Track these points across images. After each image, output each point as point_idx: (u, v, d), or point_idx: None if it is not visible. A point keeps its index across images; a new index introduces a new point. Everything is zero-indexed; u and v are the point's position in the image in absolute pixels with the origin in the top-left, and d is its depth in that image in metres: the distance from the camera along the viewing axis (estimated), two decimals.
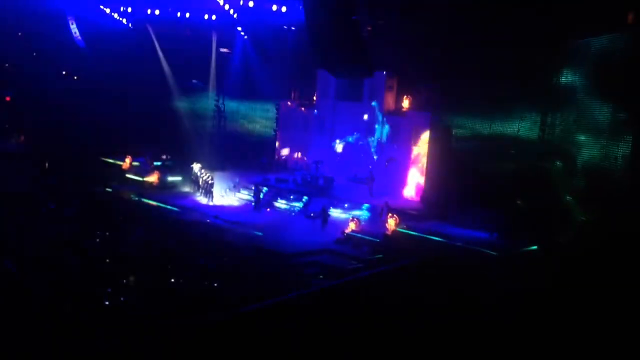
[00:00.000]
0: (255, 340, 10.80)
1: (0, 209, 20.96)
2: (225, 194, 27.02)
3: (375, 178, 26.53)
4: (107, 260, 16.99)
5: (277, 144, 32.13)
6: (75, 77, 38.00)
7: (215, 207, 25.46)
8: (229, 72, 33.56)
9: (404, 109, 27.76)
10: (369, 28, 25.96)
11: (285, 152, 31.69)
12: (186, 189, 28.05)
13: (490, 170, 24.33)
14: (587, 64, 20.93)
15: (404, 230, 21.23)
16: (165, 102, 35.07)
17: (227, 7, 29.47)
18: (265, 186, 26.85)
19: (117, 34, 34.79)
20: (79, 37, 35.41)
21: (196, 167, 27.75)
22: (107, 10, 34.43)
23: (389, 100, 28.18)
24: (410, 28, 25.35)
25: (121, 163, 30.30)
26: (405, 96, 27.78)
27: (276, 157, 31.84)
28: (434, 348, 11.43)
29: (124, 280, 15.62)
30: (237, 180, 28.15)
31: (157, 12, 32.47)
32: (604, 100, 19.57)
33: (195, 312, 13.07)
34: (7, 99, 36.83)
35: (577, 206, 20.62)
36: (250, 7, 28.43)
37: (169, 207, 24.70)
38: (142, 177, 28.87)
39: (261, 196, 25.88)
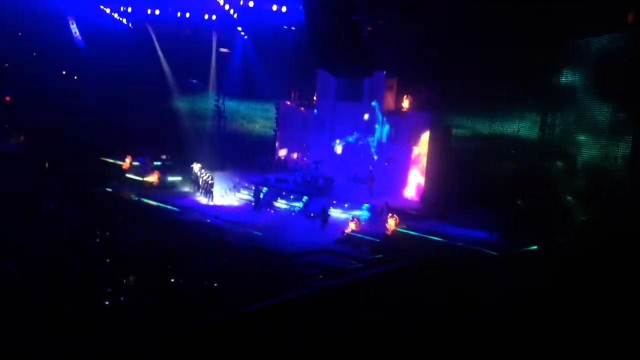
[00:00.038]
0: (255, 340, 10.81)
1: (0, 209, 20.97)
2: (225, 194, 27.01)
3: (375, 178, 26.51)
4: (107, 260, 16.99)
5: (277, 144, 32.14)
6: (75, 77, 38.02)
7: (215, 207, 25.45)
8: (229, 72, 33.55)
9: (404, 109, 27.75)
10: (369, 28, 25.94)
11: (282, 152, 31.69)
12: (186, 189, 28.03)
13: (490, 170, 24.36)
14: (587, 64, 20.93)
15: (404, 230, 21.23)
16: (165, 102, 35.10)
17: (227, 7, 29.48)
18: (265, 186, 26.85)
19: (117, 34, 34.80)
20: (79, 37, 35.40)
21: (196, 167, 27.75)
22: (107, 10, 34.44)
23: (389, 100, 28.17)
24: (410, 28, 25.35)
25: (121, 163, 30.29)
26: (405, 96, 27.76)
27: (276, 157, 31.84)
28: (434, 348, 11.44)
29: (124, 280, 15.61)
30: (237, 180, 28.13)
31: (157, 12, 32.49)
32: (604, 100, 19.57)
33: (195, 312, 13.07)
34: (7, 99, 36.84)
35: (577, 206, 20.63)
36: (250, 7, 28.45)
37: (169, 207, 24.69)
38: (142, 177, 28.85)
39: (261, 196, 25.88)
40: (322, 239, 21.44)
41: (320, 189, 26.54)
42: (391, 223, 21.56)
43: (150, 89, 34.29)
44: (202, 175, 27.10)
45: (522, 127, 24.73)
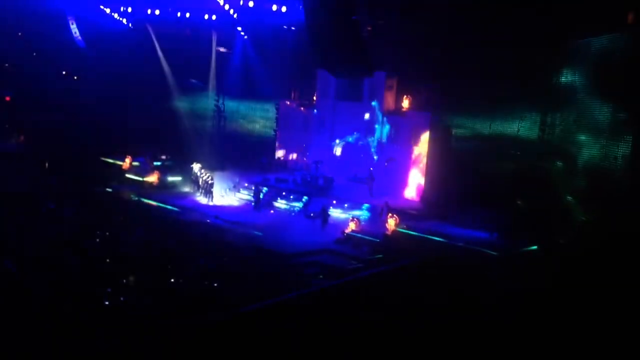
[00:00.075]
0: (255, 340, 10.81)
1: (0, 209, 20.97)
2: (225, 194, 27.01)
3: (375, 178, 26.52)
4: (107, 260, 16.99)
5: (277, 144, 32.14)
6: (75, 77, 38.03)
7: (215, 207, 25.45)
8: (229, 72, 33.56)
9: (404, 109, 27.74)
10: (369, 28, 25.93)
11: (280, 153, 31.68)
12: (186, 189, 28.02)
13: (490, 170, 24.37)
14: (587, 64, 20.94)
15: (404, 230, 21.23)
16: (165, 102, 35.10)
17: (227, 7, 29.49)
18: (265, 186, 26.85)
19: (117, 34, 34.81)
20: (79, 37, 35.42)
21: (196, 167, 27.75)
22: (107, 10, 34.45)
23: (389, 100, 28.16)
24: (410, 28, 25.36)
25: (121, 163, 30.29)
26: (405, 96, 27.75)
27: (276, 157, 31.84)
28: (434, 348, 11.44)
29: (124, 280, 15.62)
30: (237, 180, 28.12)
31: (157, 12, 32.50)
32: (604, 100, 19.57)
33: (195, 312, 13.07)
34: (7, 99, 36.85)
35: (577, 206, 20.63)
36: (250, 7, 28.45)
37: (169, 207, 24.69)
38: (142, 177, 28.86)
39: (261, 196, 25.87)
40: (322, 239, 21.44)
41: (320, 189, 26.54)
42: (391, 223, 21.56)
43: (150, 89, 34.29)
44: (202, 175, 27.10)
45: (522, 127, 24.74)
